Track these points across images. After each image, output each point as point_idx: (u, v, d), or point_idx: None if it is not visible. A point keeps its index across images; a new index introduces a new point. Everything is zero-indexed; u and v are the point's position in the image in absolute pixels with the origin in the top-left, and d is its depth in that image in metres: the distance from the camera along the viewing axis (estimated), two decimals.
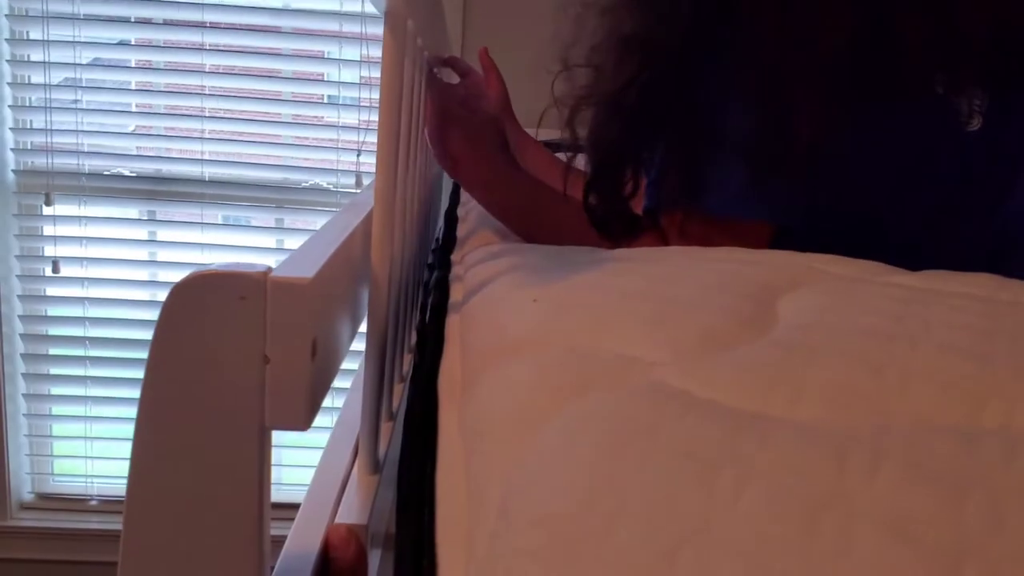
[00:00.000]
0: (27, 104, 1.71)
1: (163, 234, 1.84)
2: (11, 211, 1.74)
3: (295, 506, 0.40)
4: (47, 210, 1.73)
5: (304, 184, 1.78)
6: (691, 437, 0.24)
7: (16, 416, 1.81)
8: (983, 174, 0.62)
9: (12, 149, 1.71)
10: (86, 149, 1.72)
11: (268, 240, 1.84)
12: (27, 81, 1.70)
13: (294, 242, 1.82)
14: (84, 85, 1.70)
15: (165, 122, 1.78)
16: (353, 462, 0.46)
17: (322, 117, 1.79)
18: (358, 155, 1.75)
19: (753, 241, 0.60)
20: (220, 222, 1.81)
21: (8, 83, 1.68)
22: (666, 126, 0.64)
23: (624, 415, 0.26)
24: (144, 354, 0.28)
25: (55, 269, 1.75)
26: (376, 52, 1.66)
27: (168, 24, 1.72)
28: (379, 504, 0.45)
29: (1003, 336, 0.28)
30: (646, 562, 0.19)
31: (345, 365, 0.45)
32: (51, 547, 1.82)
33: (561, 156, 0.87)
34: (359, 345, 0.43)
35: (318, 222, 1.78)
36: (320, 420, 0.35)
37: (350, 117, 1.75)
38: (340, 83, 1.75)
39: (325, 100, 1.83)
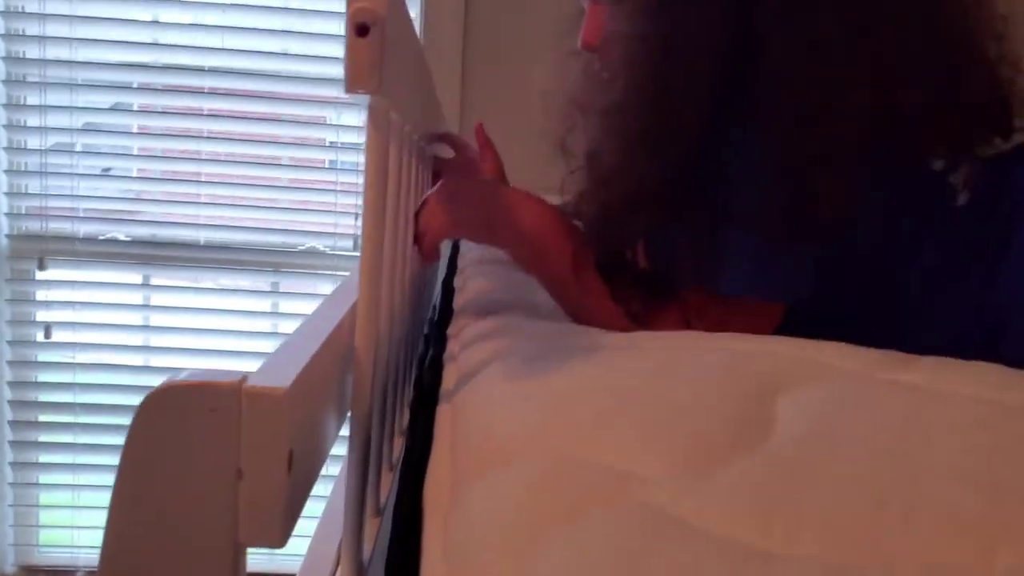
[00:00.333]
0: (23, 169, 1.72)
1: (157, 298, 1.82)
2: (4, 276, 1.73)
3: None
4: (40, 275, 1.72)
5: (300, 247, 1.77)
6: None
7: (1, 485, 1.77)
8: (975, 243, 0.64)
9: (6, 214, 1.71)
10: (81, 214, 1.72)
11: (264, 304, 1.83)
12: (23, 146, 1.70)
13: (289, 305, 1.81)
14: (79, 151, 1.71)
15: (162, 187, 1.78)
16: (337, 565, 0.44)
17: (320, 180, 1.79)
18: (356, 218, 1.75)
19: (766, 320, 0.63)
20: (215, 286, 1.80)
21: (4, 147, 1.69)
22: (681, 214, 0.64)
23: (616, 547, 0.24)
24: None
25: (47, 334, 1.73)
26: None
27: (168, 90, 1.73)
28: None
29: (1009, 456, 0.27)
30: None
31: (333, 451, 0.43)
32: None
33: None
34: (347, 429, 0.42)
35: (315, 285, 1.78)
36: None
37: (349, 180, 1.75)
38: (339, 147, 1.76)
39: (326, 165, 1.84)
